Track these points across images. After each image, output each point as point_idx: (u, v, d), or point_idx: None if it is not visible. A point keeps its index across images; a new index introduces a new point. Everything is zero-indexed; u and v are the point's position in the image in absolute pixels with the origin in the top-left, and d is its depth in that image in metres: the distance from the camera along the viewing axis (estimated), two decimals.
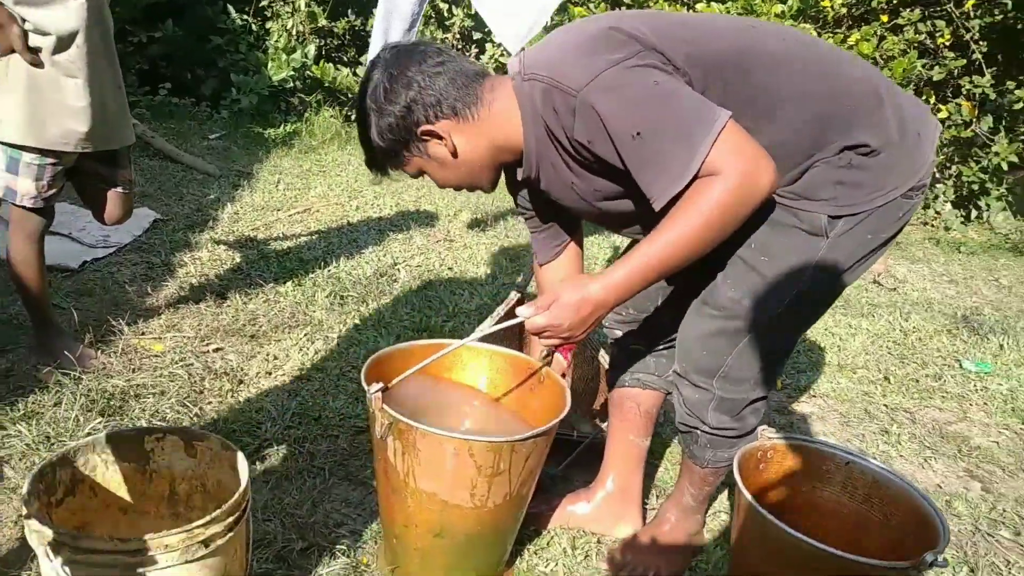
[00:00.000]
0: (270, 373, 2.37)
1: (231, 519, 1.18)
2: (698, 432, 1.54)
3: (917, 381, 2.82)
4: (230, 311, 2.76)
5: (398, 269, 3.37)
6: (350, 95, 5.88)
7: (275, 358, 2.47)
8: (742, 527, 1.46)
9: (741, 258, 1.39)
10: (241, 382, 2.30)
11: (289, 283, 3.06)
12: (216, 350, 2.48)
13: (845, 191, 1.33)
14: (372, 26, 4.28)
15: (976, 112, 4.72)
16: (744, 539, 1.46)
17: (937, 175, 5.10)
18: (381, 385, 1.40)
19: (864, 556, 1.27)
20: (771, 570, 1.38)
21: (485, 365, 1.71)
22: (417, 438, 1.36)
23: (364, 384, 1.42)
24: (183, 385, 2.22)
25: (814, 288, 1.40)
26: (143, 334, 2.51)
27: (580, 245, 1.72)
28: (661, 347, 1.71)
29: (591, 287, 1.28)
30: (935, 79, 4.75)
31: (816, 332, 3.14)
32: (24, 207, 2.04)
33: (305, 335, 2.65)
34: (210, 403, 2.17)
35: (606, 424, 1.86)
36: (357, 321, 2.80)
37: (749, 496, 1.37)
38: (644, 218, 1.37)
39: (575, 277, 1.33)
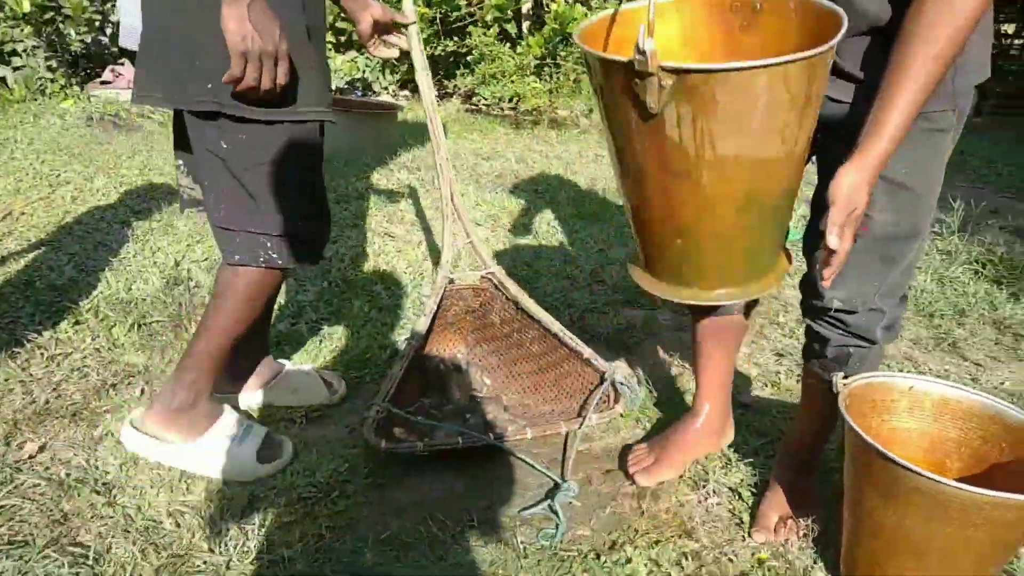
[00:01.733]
0: (135, 460, 1.76)
1: None
2: (863, 350, 1.51)
3: None
4: (11, 388, 2.00)
5: (188, 271, 2.72)
6: None
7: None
8: (859, 470, 1.36)
9: (885, 179, 1.30)
10: (113, 489, 1.67)
11: (64, 324, 2.31)
12: (40, 450, 1.78)
13: (960, 84, 1.29)
14: None
15: None
16: (863, 483, 1.36)
17: None
18: (651, 45, 1.05)
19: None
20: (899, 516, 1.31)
21: (675, 21, 1.38)
22: (717, 87, 1.07)
23: (588, 48, 1.18)
24: (39, 524, 1.56)
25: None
26: None
27: None
28: None
29: (856, 176, 1.19)
30: None
31: None
32: None
33: (141, 390, 2.02)
34: (100, 533, 1.55)
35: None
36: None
37: (868, 437, 1.29)
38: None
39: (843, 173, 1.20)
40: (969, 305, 2.74)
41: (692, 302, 1.34)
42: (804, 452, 1.72)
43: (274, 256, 1.61)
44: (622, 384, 1.94)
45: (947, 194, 3.72)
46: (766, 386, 2.22)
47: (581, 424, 1.85)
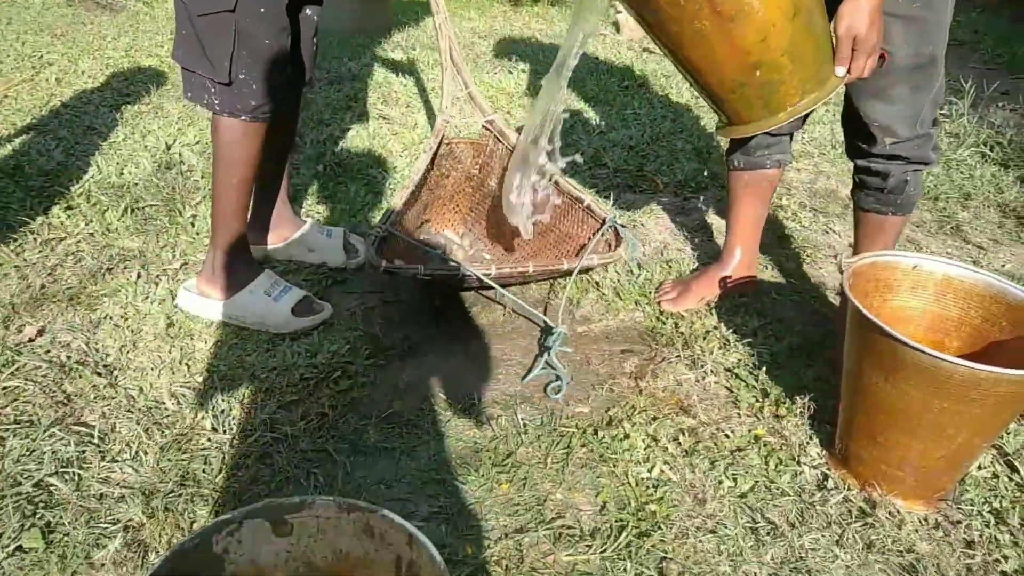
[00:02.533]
0: (135, 343, 1.77)
1: None
2: (920, 172, 1.71)
3: None
4: (6, 273, 1.98)
5: (180, 154, 2.66)
6: None
7: (125, 318, 1.84)
8: (861, 347, 1.37)
9: (897, 15, 1.50)
10: (114, 371, 1.68)
11: (56, 209, 2.27)
12: (39, 333, 1.78)
13: None
14: None
15: None
16: (863, 359, 1.37)
17: None
18: None
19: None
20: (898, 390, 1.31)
21: None
22: None
23: None
24: (43, 405, 1.57)
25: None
26: None
27: None
28: (794, 130, 1.89)
29: (852, 4, 1.39)
30: None
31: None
32: None
33: (137, 274, 2.00)
34: (103, 413, 1.56)
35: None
36: (180, 237, 2.17)
37: (871, 315, 1.28)
38: None
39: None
40: (975, 188, 2.70)
41: (792, 119, 1.48)
42: None
43: (215, 102, 1.67)
44: (623, 227, 1.94)
45: (959, 75, 3.61)
46: (766, 268, 2.20)
47: (580, 260, 1.84)
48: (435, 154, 2.08)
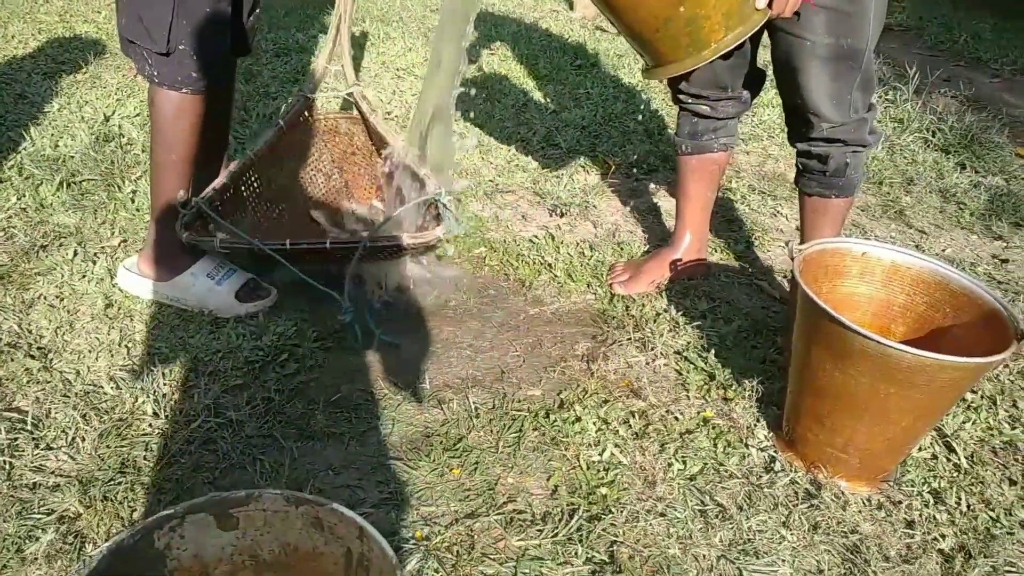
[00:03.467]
0: (71, 324, 1.70)
1: None
2: (860, 154, 1.72)
3: None
4: None
5: (119, 126, 2.56)
6: None
7: (61, 298, 1.77)
8: (810, 333, 1.38)
9: (822, 6, 1.53)
10: (49, 354, 1.62)
11: None
12: None
13: None
14: None
15: None
16: (812, 344, 1.39)
17: None
18: None
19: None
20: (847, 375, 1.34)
21: None
22: None
23: None
24: None
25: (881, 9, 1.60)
26: None
27: None
28: (739, 113, 1.92)
29: None
30: None
31: None
32: None
33: (73, 252, 1.93)
34: (37, 398, 1.50)
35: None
36: (119, 213, 2.09)
37: (821, 302, 1.30)
38: None
39: None
40: (917, 174, 2.76)
41: (718, 55, 1.48)
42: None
43: (154, 73, 1.62)
44: (445, 208, 1.79)
45: (903, 61, 3.68)
46: (716, 251, 2.22)
47: (375, 233, 1.76)
48: (285, 128, 2.01)
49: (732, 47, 1.47)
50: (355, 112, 2.12)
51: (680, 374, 1.73)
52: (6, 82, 2.83)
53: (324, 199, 2.14)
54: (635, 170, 2.66)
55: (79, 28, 3.42)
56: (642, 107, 3.11)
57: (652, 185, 2.58)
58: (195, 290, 1.77)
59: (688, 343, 1.81)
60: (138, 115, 2.64)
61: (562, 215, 2.34)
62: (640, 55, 1.60)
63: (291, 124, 2.03)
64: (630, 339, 1.82)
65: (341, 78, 2.08)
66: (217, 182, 1.82)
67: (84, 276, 1.84)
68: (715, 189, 2.01)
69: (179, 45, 1.58)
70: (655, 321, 1.87)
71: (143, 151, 2.41)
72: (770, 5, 1.45)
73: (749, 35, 1.48)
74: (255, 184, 1.97)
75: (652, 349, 1.78)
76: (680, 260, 2.02)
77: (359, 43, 3.48)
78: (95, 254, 1.93)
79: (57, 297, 1.78)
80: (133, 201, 2.16)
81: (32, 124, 2.53)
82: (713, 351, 1.76)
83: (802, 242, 1.88)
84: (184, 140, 1.68)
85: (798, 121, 1.73)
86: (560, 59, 3.62)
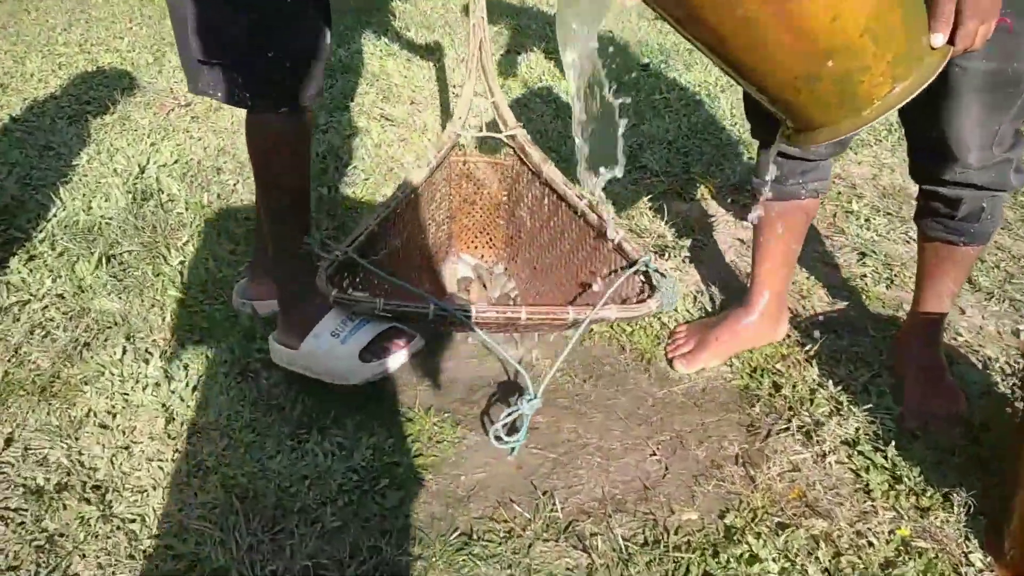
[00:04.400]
0: (128, 450, 1.43)
1: None
2: (999, 198, 1.44)
3: None
4: None
5: (156, 179, 2.28)
6: None
7: (113, 413, 1.51)
8: None
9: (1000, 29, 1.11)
10: (106, 494, 1.35)
11: (14, 262, 1.91)
12: (7, 443, 1.44)
13: None
14: None
15: None
16: None
17: None
18: None
19: None
20: None
21: None
22: None
23: None
24: (18, 554, 1.24)
25: None
26: None
27: None
28: (834, 153, 1.61)
29: None
30: None
31: None
32: None
33: (122, 349, 1.66)
34: (99, 563, 1.24)
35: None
36: (168, 293, 1.82)
37: None
38: None
39: None
40: None
41: (882, 114, 1.07)
42: (932, 327, 1.62)
43: (246, 95, 1.36)
44: (657, 272, 1.50)
45: None
46: (851, 294, 1.91)
47: (595, 311, 1.40)
48: (435, 168, 1.72)
49: (904, 102, 1.06)
50: (503, 157, 1.84)
51: (858, 475, 1.43)
52: (29, 131, 2.56)
53: (435, 252, 1.84)
54: (740, 194, 2.34)
55: (102, 59, 3.14)
56: (731, 113, 2.77)
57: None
58: (320, 354, 1.49)
59: (857, 429, 1.51)
60: (176, 162, 2.36)
61: (668, 258, 2.03)
62: (777, 117, 1.19)
63: (440, 168, 1.75)
64: (787, 429, 1.52)
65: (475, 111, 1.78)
66: (364, 225, 1.52)
67: (137, 382, 1.57)
68: (800, 242, 1.68)
69: (268, 52, 1.32)
70: (811, 401, 1.57)
71: (187, 209, 2.13)
72: (952, 40, 1.03)
73: (926, 86, 1.05)
74: (398, 232, 1.67)
75: (818, 442, 1.48)
76: (754, 324, 1.71)
77: (407, 56, 3.17)
78: (146, 350, 1.66)
79: (109, 413, 1.51)
80: (183, 276, 1.88)
81: (61, 182, 2.26)
82: (890, 440, 1.46)
83: (917, 290, 1.61)
84: (293, 172, 1.44)
85: (929, 158, 1.43)
86: (624, 58, 3.28)
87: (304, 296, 1.50)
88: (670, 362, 1.70)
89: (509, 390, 1.61)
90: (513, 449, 1.45)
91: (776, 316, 1.73)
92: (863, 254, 2.07)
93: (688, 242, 2.08)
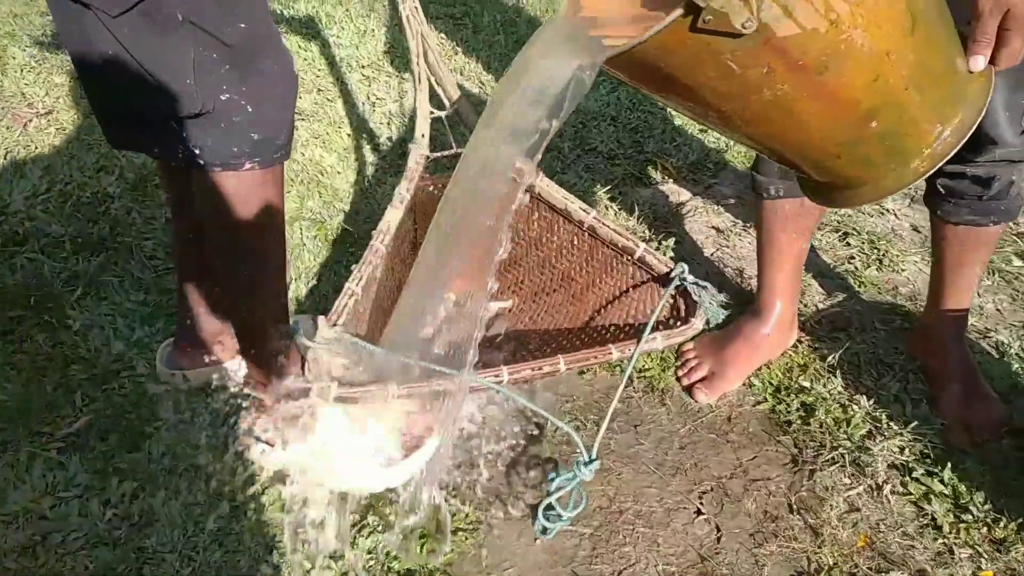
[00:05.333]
0: None
1: None
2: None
3: None
4: None
5: (28, 215, 1.86)
6: None
7: None
8: None
9: None
10: None
11: None
12: None
13: None
14: None
15: None
16: None
17: None
18: None
19: None
20: None
21: None
22: None
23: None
24: None
25: None
26: None
27: None
28: None
29: None
30: None
31: None
32: None
33: (29, 458, 1.32)
34: None
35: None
36: (72, 366, 1.48)
37: None
38: None
39: None
40: None
41: (937, 165, 0.92)
42: (959, 323, 1.51)
43: (195, 151, 1.09)
44: (695, 285, 1.29)
45: None
46: (843, 281, 1.77)
47: (639, 344, 1.19)
48: (412, 208, 1.44)
49: (955, 150, 0.90)
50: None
51: (919, 507, 1.31)
52: None
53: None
54: (700, 173, 2.16)
55: None
56: None
57: (723, 191, 2.10)
58: (332, 457, 1.21)
59: (903, 449, 1.39)
60: (49, 191, 1.94)
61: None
62: (808, 178, 1.01)
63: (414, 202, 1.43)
64: (832, 460, 1.37)
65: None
66: (347, 292, 1.17)
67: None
68: (807, 243, 1.54)
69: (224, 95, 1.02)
70: (848, 422, 1.43)
71: (75, 254, 1.75)
72: (994, 60, 0.88)
73: (978, 122, 0.91)
74: (381, 285, 1.35)
75: (869, 473, 1.35)
76: (770, 336, 1.55)
77: (299, 31, 2.77)
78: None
79: None
80: (87, 344, 1.53)
81: None
82: (941, 460, 1.34)
83: (937, 283, 1.48)
84: (268, 235, 1.17)
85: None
86: (544, 20, 3.02)
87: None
88: (688, 390, 1.52)
89: (530, 452, 1.39)
90: (545, 530, 1.24)
91: (790, 323, 1.58)
92: (845, 234, 1.95)
93: (663, 237, 1.89)
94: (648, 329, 1.21)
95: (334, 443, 1.21)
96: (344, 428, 1.19)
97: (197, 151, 1.05)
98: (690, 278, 1.29)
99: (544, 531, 1.24)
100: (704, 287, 1.28)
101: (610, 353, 1.18)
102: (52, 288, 1.64)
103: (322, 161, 2.12)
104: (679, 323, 1.25)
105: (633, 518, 1.29)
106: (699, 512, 1.30)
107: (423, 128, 1.44)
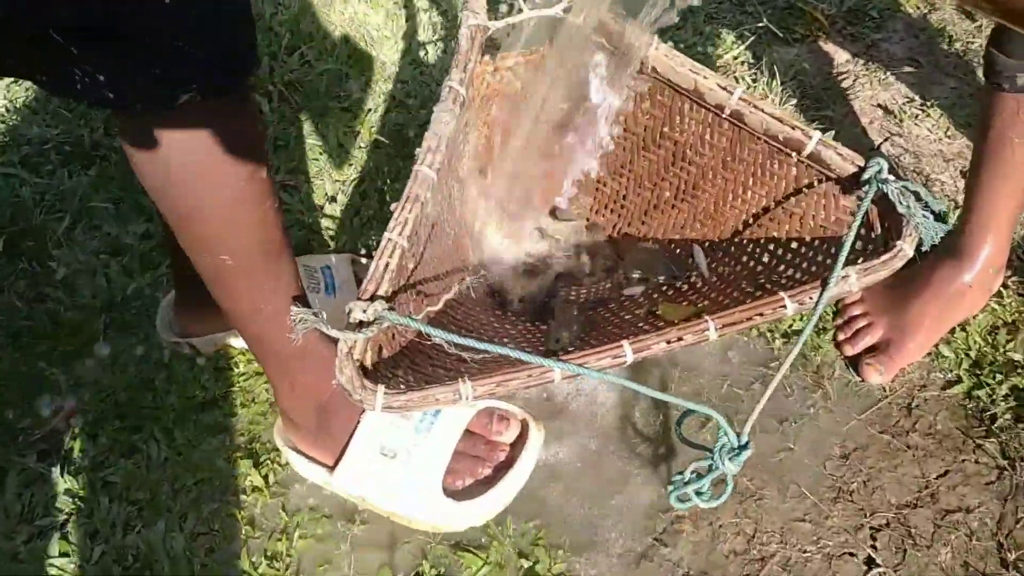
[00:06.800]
0: None
1: None
2: None
3: None
4: None
5: None
6: None
7: None
8: None
9: None
10: None
11: None
12: None
13: None
14: None
15: None
16: None
17: None
18: None
19: None
20: None
21: None
22: None
23: None
24: None
25: None
26: None
27: None
28: None
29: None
30: None
31: None
32: None
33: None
34: None
35: None
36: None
37: None
38: None
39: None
40: None
41: None
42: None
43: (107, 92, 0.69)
44: (903, 191, 0.79)
45: None
46: None
47: (826, 287, 0.75)
48: (469, 105, 0.97)
49: None
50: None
51: None
52: None
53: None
54: (862, 24, 1.63)
55: None
56: None
57: (892, 50, 1.57)
58: (370, 478, 0.93)
59: None
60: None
61: None
62: None
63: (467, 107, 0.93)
64: (975, 462, 0.99)
65: None
66: (387, 245, 0.73)
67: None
68: None
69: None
70: (1018, 422, 1.03)
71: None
72: None
73: None
74: (433, 240, 0.94)
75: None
76: (974, 286, 1.11)
77: None
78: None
79: None
80: (73, 296, 1.22)
81: None
82: None
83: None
84: (239, 210, 0.77)
85: None
86: None
87: (321, 404, 0.90)
88: (852, 363, 1.12)
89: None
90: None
91: (1000, 267, 1.13)
92: None
93: (811, 120, 1.42)
94: (841, 262, 0.77)
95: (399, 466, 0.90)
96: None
97: (102, 79, 0.64)
98: (892, 179, 0.82)
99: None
100: (915, 192, 0.81)
101: (783, 305, 0.75)
102: (32, 219, 1.31)
103: (367, 21, 1.67)
104: (879, 250, 0.81)
105: (780, 568, 0.95)
106: (871, 563, 0.95)
107: None
